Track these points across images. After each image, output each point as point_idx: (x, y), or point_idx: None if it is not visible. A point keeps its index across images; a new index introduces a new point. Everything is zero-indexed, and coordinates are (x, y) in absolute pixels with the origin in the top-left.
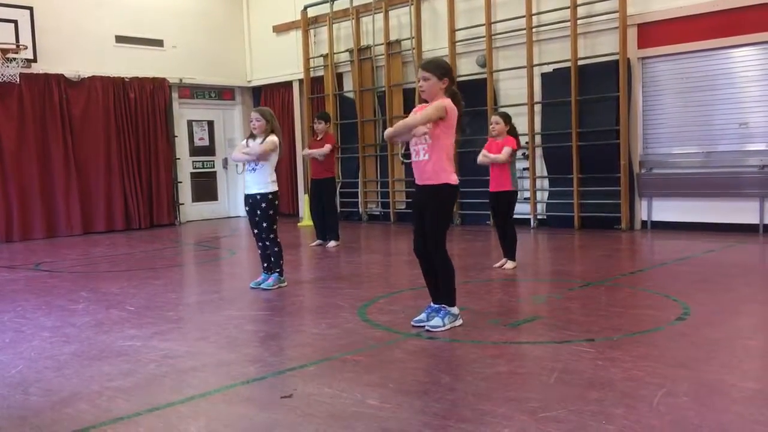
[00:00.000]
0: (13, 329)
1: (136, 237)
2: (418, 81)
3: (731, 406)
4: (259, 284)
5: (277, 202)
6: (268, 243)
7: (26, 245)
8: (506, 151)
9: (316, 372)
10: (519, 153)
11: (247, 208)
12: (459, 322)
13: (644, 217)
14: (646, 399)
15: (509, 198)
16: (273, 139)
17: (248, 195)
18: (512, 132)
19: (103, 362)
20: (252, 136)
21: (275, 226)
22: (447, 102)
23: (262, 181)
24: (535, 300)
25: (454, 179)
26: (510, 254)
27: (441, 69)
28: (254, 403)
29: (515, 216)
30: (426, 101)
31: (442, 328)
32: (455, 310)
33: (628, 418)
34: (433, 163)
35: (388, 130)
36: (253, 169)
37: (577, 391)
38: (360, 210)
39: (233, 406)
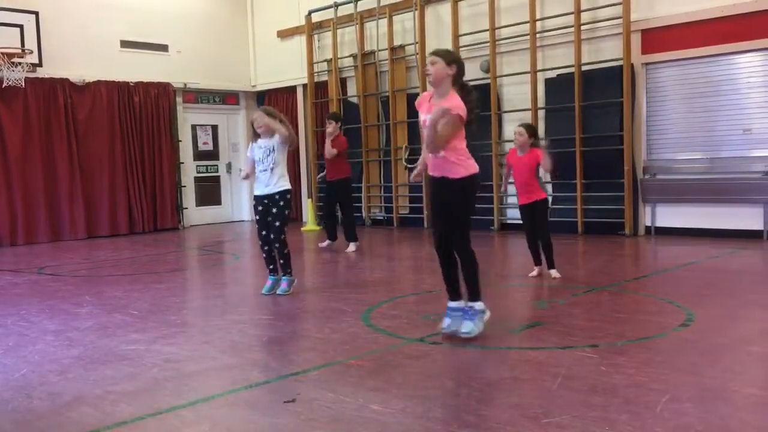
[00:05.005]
0: (17, 333)
1: (140, 241)
2: (426, 69)
3: (735, 413)
4: (271, 290)
5: (291, 202)
6: (277, 245)
7: (30, 249)
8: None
9: (320, 377)
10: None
11: (260, 208)
12: (487, 314)
13: (648, 223)
14: (650, 405)
15: (545, 205)
16: (281, 129)
17: (263, 195)
18: (536, 145)
19: (106, 366)
20: (256, 136)
21: (286, 228)
22: (459, 106)
23: (279, 177)
24: (539, 305)
25: (474, 167)
26: (551, 263)
27: (449, 56)
28: (257, 408)
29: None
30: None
31: (477, 331)
32: (480, 305)
33: (632, 424)
34: (451, 158)
35: (431, 149)
36: (270, 168)
37: (580, 397)
38: (363, 215)
39: (236, 411)
